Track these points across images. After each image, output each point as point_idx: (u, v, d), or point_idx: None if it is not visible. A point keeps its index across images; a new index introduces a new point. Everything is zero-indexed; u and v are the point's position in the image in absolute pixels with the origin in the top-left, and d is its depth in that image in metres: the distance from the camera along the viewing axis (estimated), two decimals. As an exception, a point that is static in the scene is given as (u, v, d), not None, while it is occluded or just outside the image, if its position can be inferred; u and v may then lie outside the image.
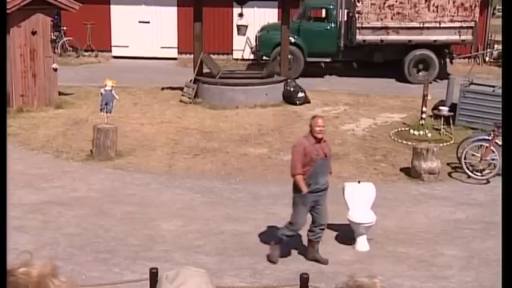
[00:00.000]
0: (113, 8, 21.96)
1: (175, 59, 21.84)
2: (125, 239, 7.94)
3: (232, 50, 21.81)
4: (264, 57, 18.91)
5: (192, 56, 16.45)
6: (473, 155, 10.68)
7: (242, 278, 6.99)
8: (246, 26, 16.08)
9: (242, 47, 21.02)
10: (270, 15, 20.70)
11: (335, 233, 8.24)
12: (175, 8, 21.85)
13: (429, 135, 12.85)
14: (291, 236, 7.46)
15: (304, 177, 7.21)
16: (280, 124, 13.80)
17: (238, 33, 16.55)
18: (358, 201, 7.97)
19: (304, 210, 7.37)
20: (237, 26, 16.38)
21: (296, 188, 7.29)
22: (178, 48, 22.07)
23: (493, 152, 10.47)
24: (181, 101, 15.41)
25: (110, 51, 22.06)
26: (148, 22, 21.91)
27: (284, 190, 9.82)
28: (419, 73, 18.28)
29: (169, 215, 8.80)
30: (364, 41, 18.16)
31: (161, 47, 21.96)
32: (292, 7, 17.08)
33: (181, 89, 15.83)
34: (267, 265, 7.31)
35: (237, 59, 21.45)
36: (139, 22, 21.83)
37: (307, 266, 6.99)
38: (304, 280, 4.64)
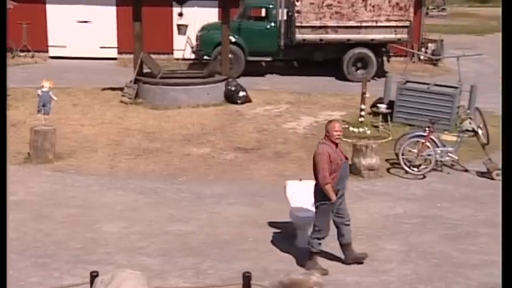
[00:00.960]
0: (48, 7, 21.51)
1: (115, 59, 21.56)
2: (65, 242, 7.81)
3: (173, 49, 21.69)
4: (205, 57, 18.89)
5: (132, 56, 16.28)
6: (410, 151, 10.97)
7: (186, 278, 6.98)
8: (187, 26, 16.04)
9: (183, 47, 20.93)
10: (211, 15, 20.69)
11: (277, 231, 8.33)
12: (114, 8, 21.57)
13: (368, 132, 13.12)
14: (321, 244, 7.37)
15: (332, 185, 7.17)
16: (222, 123, 13.84)
17: (179, 33, 16.49)
18: (300, 198, 8.06)
19: (331, 216, 7.35)
20: (177, 25, 16.32)
21: (324, 197, 7.18)
22: (118, 48, 21.79)
23: (429, 147, 10.78)
24: (122, 101, 15.23)
25: (47, 51, 21.60)
26: (87, 22, 21.55)
27: (227, 189, 9.90)
28: (358, 71, 18.64)
29: (111, 217, 8.70)
30: (304, 40, 18.39)
31: (100, 47, 21.64)
32: (232, 6, 17.14)
33: (121, 89, 15.65)
34: (211, 265, 7.33)
35: (178, 59, 21.35)
36: (78, 22, 21.45)
37: (250, 265, 7.04)
38: (246, 279, 4.67)
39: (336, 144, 7.25)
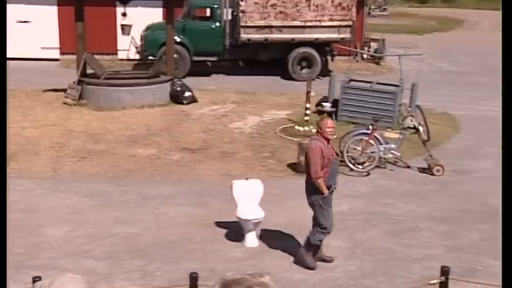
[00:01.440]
0: (-13, 6, 20.89)
1: (57, 59, 21.15)
2: (7, 248, 7.62)
3: (117, 50, 21.43)
4: (150, 57, 18.74)
5: (75, 56, 16.01)
6: (354, 148, 11.14)
7: (133, 280, 6.93)
8: (130, 26, 15.87)
9: (127, 47, 20.70)
10: (155, 15, 20.52)
11: (225, 231, 8.35)
12: (55, 8, 21.16)
13: (313, 130, 13.20)
14: (323, 240, 7.47)
15: (324, 180, 7.25)
16: (168, 124, 13.76)
17: (123, 33, 16.31)
18: (247, 198, 8.11)
19: (330, 210, 7.43)
20: (121, 25, 16.13)
21: (317, 191, 7.26)
22: (60, 48, 21.39)
23: (372, 145, 10.99)
24: (65, 103, 14.96)
25: (-14, 52, 20.97)
26: (27, 22, 21.06)
27: (174, 190, 9.85)
28: (303, 70, 18.83)
29: (55, 221, 8.54)
30: (249, 39, 18.46)
31: (42, 48, 21.19)
32: (176, 6, 17.06)
33: (64, 90, 15.37)
34: (158, 266, 7.29)
35: (122, 59, 21.11)
36: (17, 22, 20.93)
37: (197, 265, 7.04)
38: (193, 279, 4.68)
39: (328, 140, 7.37)
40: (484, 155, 12.15)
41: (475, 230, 8.60)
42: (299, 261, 7.49)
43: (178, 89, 15.57)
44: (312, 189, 7.30)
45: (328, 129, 7.30)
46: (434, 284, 5.44)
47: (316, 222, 7.44)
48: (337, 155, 7.47)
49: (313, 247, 7.49)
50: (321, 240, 7.49)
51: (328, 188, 7.26)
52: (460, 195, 9.99)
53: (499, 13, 31.77)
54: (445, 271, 5.44)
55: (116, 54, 21.41)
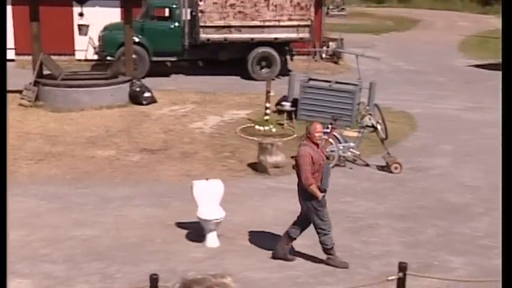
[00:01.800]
0: None
1: (12, 60, 20.71)
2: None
3: (74, 50, 21.12)
4: (109, 58, 18.54)
5: (31, 57, 15.73)
6: (314, 147, 11.22)
7: (92, 284, 6.86)
8: (88, 26, 15.69)
9: (85, 47, 20.43)
10: (113, 15, 20.29)
11: (185, 231, 8.33)
12: (9, 7, 20.70)
13: (273, 130, 13.33)
14: (331, 238, 7.49)
15: (316, 184, 7.30)
16: (127, 125, 13.64)
17: (80, 33, 16.10)
18: (207, 198, 8.11)
19: (325, 211, 7.45)
20: (78, 25, 15.94)
21: (310, 197, 7.33)
22: (15, 49, 20.96)
23: (332, 144, 11.09)
24: (20, 104, 14.69)
25: None
26: (-19, 21, 20.59)
27: (134, 191, 9.78)
28: (263, 70, 18.88)
29: (12, 225, 8.34)
30: (208, 39, 18.42)
31: (-4, 48, 20.73)
32: (134, 6, 16.91)
33: (20, 92, 15.08)
34: (118, 268, 7.23)
35: (80, 60, 20.81)
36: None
37: (157, 267, 7.00)
38: (153, 281, 4.67)
39: (317, 145, 7.43)
40: (440, 152, 12.38)
41: (431, 226, 8.77)
42: (330, 264, 7.54)
43: (138, 89, 15.45)
44: (305, 195, 7.39)
45: (317, 134, 7.40)
46: (392, 280, 5.52)
47: (316, 227, 7.49)
48: (327, 158, 7.51)
49: (327, 250, 7.54)
50: (331, 238, 7.50)
51: (322, 191, 7.36)
52: (416, 192, 10.17)
53: (453, 13, 32.40)
54: (402, 267, 5.54)
55: (74, 54, 21.10)
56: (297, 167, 7.45)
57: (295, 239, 7.68)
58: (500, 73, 21.49)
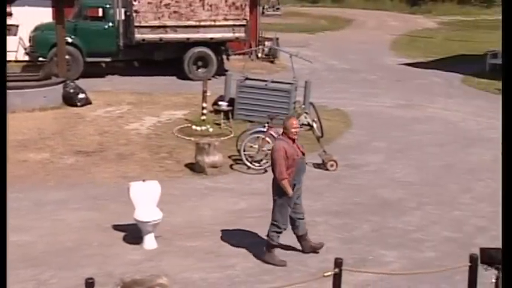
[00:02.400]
0: None
1: None
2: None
3: (4, 51, 20.49)
4: (41, 59, 18.09)
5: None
6: (251, 146, 11.30)
7: (27, 290, 6.71)
8: (17, 26, 15.27)
9: (15, 48, 19.87)
10: (44, 15, 19.81)
11: (123, 234, 8.24)
12: None
13: (211, 130, 13.32)
14: (279, 237, 7.59)
15: (289, 180, 7.30)
16: (61, 127, 13.37)
17: (9, 34, 15.62)
18: (144, 199, 8.05)
19: (289, 210, 7.54)
20: (7, 25, 15.46)
21: (281, 191, 7.37)
22: None
23: (269, 142, 11.17)
24: None
25: None
26: None
27: (69, 194, 9.60)
28: (199, 70, 18.84)
29: None
30: (144, 39, 18.24)
31: None
32: (66, 6, 16.56)
33: None
34: (53, 274, 7.09)
35: (10, 61, 20.20)
36: None
37: (94, 270, 6.91)
38: (89, 285, 4.61)
39: (293, 140, 7.46)
40: (373, 149, 12.68)
41: (366, 222, 8.97)
42: (267, 262, 7.60)
43: (72, 91, 15.17)
44: (278, 189, 7.46)
45: (293, 130, 7.46)
46: (328, 276, 5.63)
47: (272, 219, 7.61)
48: (303, 154, 7.60)
49: (270, 246, 7.63)
50: (277, 239, 7.60)
51: (293, 187, 7.41)
52: (352, 189, 10.39)
53: (383, 13, 33.07)
54: (338, 263, 5.65)
55: (3, 55, 20.48)
56: (271, 162, 7.53)
57: (303, 235, 7.84)
58: (429, 71, 22.13)
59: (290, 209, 7.60)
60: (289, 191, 7.39)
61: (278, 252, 7.71)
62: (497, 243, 7.98)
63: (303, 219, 7.85)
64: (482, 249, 5.75)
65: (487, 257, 5.64)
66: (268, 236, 7.67)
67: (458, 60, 22.96)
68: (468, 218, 9.27)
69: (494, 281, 5.63)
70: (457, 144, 13.00)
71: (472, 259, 5.78)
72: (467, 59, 23.04)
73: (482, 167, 11.58)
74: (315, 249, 7.88)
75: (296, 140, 7.59)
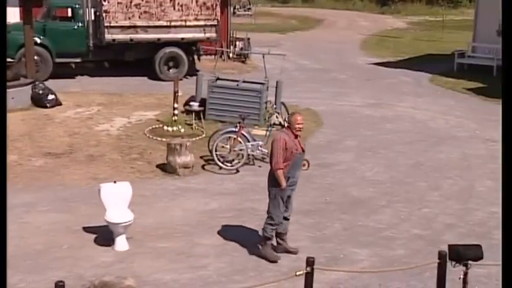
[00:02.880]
0: None
1: None
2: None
3: (-30, 51, 20.17)
4: (8, 59, 17.81)
5: None
6: (223, 146, 11.30)
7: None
8: (-16, 26, 15.01)
9: (-18, 48, 19.56)
10: (11, 15, 19.52)
11: (93, 236, 8.18)
12: None
13: (182, 130, 13.29)
14: (274, 230, 7.68)
15: (284, 172, 7.38)
16: (30, 129, 13.20)
17: (-25, 34, 15.37)
18: (115, 201, 8.00)
19: (281, 203, 7.59)
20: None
21: (275, 182, 7.43)
22: None
23: (240, 142, 11.20)
24: None
25: None
26: None
27: (38, 197, 9.48)
28: (170, 70, 18.78)
29: None
30: (114, 40, 18.11)
31: None
32: (34, 6, 16.35)
33: None
34: (21, 278, 7.00)
35: (-23, 61, 19.92)
36: None
37: (64, 273, 6.85)
38: (59, 288, 4.57)
39: (296, 136, 7.52)
40: (344, 148, 12.77)
41: (337, 220, 9.04)
42: (260, 256, 7.70)
43: (41, 92, 15.00)
44: (272, 180, 7.53)
45: (297, 126, 7.53)
46: (300, 275, 5.66)
47: (268, 212, 7.70)
48: (303, 151, 7.66)
49: (264, 240, 7.73)
50: (271, 233, 7.70)
51: (286, 180, 7.48)
52: (323, 188, 10.45)
53: (353, 13, 33.24)
54: (310, 262, 5.68)
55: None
56: (270, 151, 7.64)
57: (282, 234, 7.90)
58: (398, 70, 22.30)
59: (283, 203, 7.66)
60: (283, 182, 7.45)
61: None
62: (465, 240, 8.15)
63: (288, 219, 7.89)
64: (450, 246, 5.85)
65: (455, 253, 5.73)
66: (263, 229, 7.78)
67: (427, 60, 23.25)
68: (437, 215, 9.41)
69: (462, 277, 5.73)
70: (426, 142, 13.16)
71: (441, 256, 5.86)
72: (435, 59, 23.35)
73: (450, 165, 11.75)
74: (287, 252, 7.89)
75: (299, 136, 7.67)
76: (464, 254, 5.70)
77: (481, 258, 5.75)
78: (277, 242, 7.94)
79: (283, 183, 7.46)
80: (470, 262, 5.69)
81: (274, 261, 7.64)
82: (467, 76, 19.76)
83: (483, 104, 16.73)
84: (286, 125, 7.84)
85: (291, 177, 7.59)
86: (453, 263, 5.74)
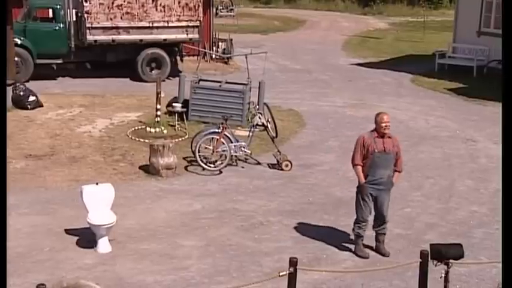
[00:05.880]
0: None
1: None
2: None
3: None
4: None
5: None
6: (206, 147, 11.28)
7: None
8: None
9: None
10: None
11: (75, 238, 8.14)
12: None
13: (165, 131, 13.25)
14: (360, 227, 7.87)
15: (363, 169, 7.63)
16: (10, 130, 13.03)
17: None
18: (97, 203, 7.96)
19: (364, 202, 7.77)
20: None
21: (357, 181, 7.81)
22: None
23: (223, 143, 11.19)
24: None
25: None
26: None
27: (18, 199, 9.40)
28: (153, 71, 18.70)
29: None
30: (96, 41, 18.00)
31: None
32: (15, 6, 16.21)
33: None
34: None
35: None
36: None
37: (45, 276, 6.81)
38: (41, 291, 4.55)
39: (383, 135, 7.66)
40: (326, 148, 12.81)
41: (320, 221, 9.07)
42: (356, 253, 7.97)
43: (21, 93, 14.88)
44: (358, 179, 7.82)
45: (383, 124, 7.65)
46: (283, 275, 5.67)
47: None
48: (385, 151, 7.70)
49: (355, 237, 8.00)
50: (359, 232, 7.89)
51: (365, 177, 7.65)
52: (306, 188, 10.48)
53: (336, 14, 33.25)
54: (293, 262, 5.70)
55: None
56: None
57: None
58: (379, 71, 22.37)
59: (365, 202, 7.81)
60: (361, 178, 7.70)
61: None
62: (447, 239, 8.22)
63: (384, 222, 7.98)
64: (432, 246, 5.90)
65: (436, 252, 5.79)
66: (353, 230, 8.03)
67: (408, 61, 23.40)
68: (418, 214, 9.48)
69: (443, 275, 5.79)
70: (407, 142, 13.23)
71: (423, 255, 5.91)
72: (417, 59, 23.50)
73: (432, 165, 11.85)
74: (380, 253, 8.02)
75: (386, 135, 7.73)
76: (445, 253, 5.76)
77: (462, 257, 5.82)
78: (375, 242, 8.11)
79: (362, 179, 7.70)
80: (451, 261, 5.75)
81: (364, 257, 7.87)
82: (448, 76, 19.91)
83: (464, 104, 16.87)
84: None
85: (370, 175, 7.72)
86: (435, 262, 5.80)
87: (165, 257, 7.80)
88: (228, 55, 21.33)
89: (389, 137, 7.78)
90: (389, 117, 7.78)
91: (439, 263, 5.77)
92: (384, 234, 8.06)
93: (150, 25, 18.31)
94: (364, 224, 7.90)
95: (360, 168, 7.74)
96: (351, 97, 17.34)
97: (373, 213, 7.97)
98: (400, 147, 7.92)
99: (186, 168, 11.29)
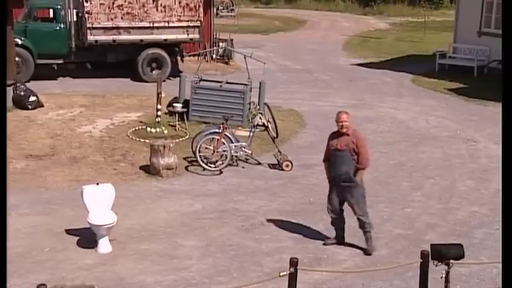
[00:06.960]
0: None
1: None
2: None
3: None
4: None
5: None
6: (206, 148, 11.28)
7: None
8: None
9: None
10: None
11: (76, 238, 8.14)
12: None
13: (165, 131, 13.25)
14: (333, 219, 8.23)
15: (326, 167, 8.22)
16: (11, 131, 13.06)
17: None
18: (98, 203, 7.97)
19: (329, 194, 8.16)
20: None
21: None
22: None
23: (224, 143, 11.19)
24: None
25: None
26: None
27: (19, 199, 9.41)
28: (153, 72, 18.70)
29: None
30: (96, 41, 18.00)
31: None
32: (15, 7, 16.22)
33: None
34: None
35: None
36: None
37: (46, 276, 6.81)
38: (41, 291, 4.55)
39: (342, 133, 8.04)
40: (328, 149, 12.78)
41: (320, 221, 9.06)
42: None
43: (22, 93, 14.88)
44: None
45: (339, 123, 8.01)
46: (284, 275, 5.68)
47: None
48: (339, 149, 8.11)
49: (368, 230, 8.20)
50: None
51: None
52: (306, 189, 10.48)
53: (336, 14, 33.25)
54: (293, 262, 5.70)
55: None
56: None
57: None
58: (380, 71, 22.36)
59: (331, 193, 8.15)
60: (326, 173, 8.21)
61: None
62: (447, 239, 8.22)
63: (361, 219, 8.14)
64: (432, 246, 5.90)
65: (437, 253, 5.79)
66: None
67: (408, 61, 23.39)
68: (419, 215, 9.47)
69: (444, 276, 5.79)
70: (408, 142, 13.25)
71: (423, 255, 5.91)
72: (417, 59, 23.50)
73: (432, 165, 11.84)
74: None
75: (345, 133, 8.05)
76: (446, 254, 5.75)
77: (462, 257, 5.82)
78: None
79: (326, 174, 8.20)
80: (451, 261, 5.75)
81: (369, 254, 8.02)
82: (448, 77, 19.91)
83: (464, 104, 16.87)
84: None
85: (331, 171, 8.06)
86: (435, 262, 5.80)
87: (166, 257, 7.80)
88: (230, 49, 21.24)
89: (347, 135, 7.99)
90: (348, 116, 8.02)
91: (440, 263, 5.77)
92: (367, 232, 8.11)
93: (151, 25, 18.31)
94: (332, 213, 8.17)
95: (325, 163, 8.24)
96: (352, 97, 17.34)
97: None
98: (362, 144, 8.00)
99: (186, 168, 11.29)
